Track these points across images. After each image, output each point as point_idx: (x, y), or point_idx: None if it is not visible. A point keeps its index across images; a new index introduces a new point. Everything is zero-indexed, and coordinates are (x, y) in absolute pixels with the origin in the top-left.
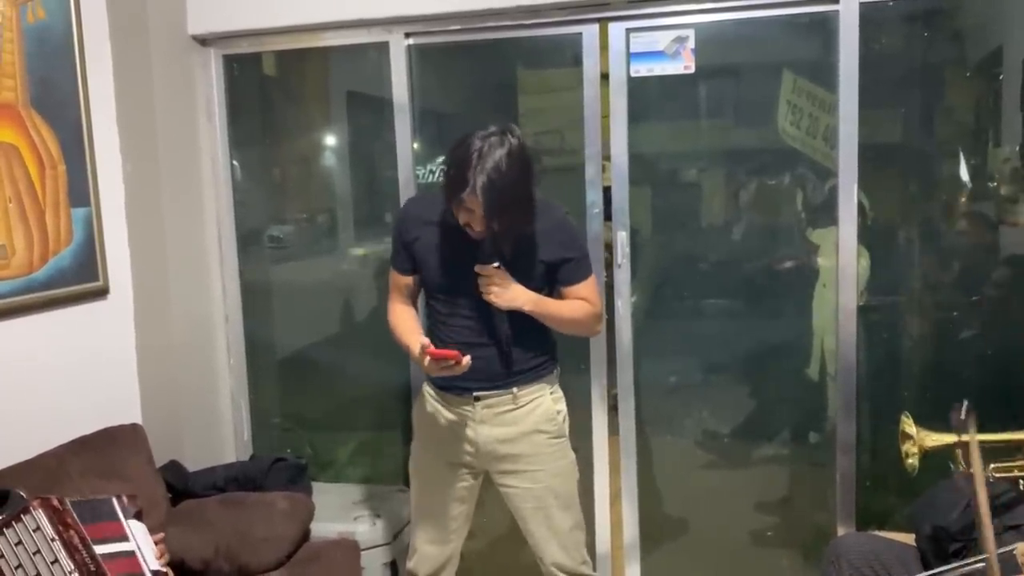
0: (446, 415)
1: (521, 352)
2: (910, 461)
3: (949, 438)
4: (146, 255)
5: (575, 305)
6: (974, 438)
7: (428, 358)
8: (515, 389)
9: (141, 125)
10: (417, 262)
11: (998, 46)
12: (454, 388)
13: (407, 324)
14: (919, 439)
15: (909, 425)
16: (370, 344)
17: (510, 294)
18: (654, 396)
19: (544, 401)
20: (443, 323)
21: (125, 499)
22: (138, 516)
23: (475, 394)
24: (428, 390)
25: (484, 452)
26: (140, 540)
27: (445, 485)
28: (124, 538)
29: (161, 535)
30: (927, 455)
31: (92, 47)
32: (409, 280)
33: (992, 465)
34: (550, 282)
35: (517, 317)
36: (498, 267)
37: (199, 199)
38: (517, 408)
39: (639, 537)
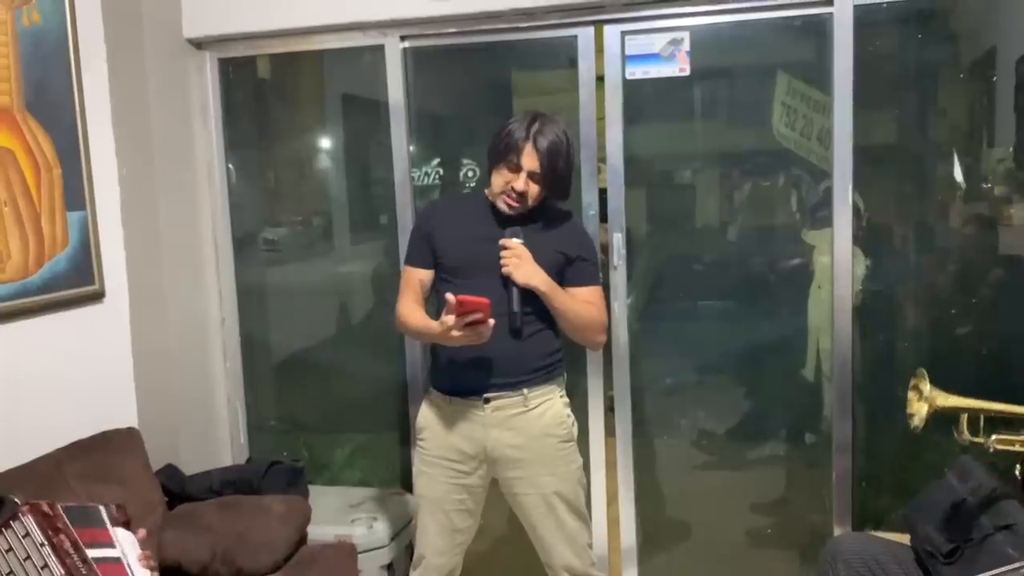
0: (454, 422)
1: (533, 347)
2: (915, 421)
3: (961, 401)
4: (142, 259)
5: (583, 305)
6: None
7: (452, 316)
8: (525, 390)
9: (136, 128)
10: (437, 251)
11: (991, 47)
12: (463, 391)
13: (421, 315)
14: (930, 397)
15: (924, 382)
16: (366, 346)
17: (528, 269)
18: (650, 397)
19: (554, 405)
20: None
21: (114, 508)
22: (126, 525)
23: (485, 395)
24: (434, 398)
25: (494, 458)
26: (126, 548)
27: (453, 496)
28: (111, 544)
29: (143, 533)
30: (934, 415)
31: (87, 50)
32: (423, 275)
33: (994, 436)
34: (560, 280)
35: (531, 308)
36: (521, 243)
37: (194, 202)
38: (528, 411)
39: (636, 537)
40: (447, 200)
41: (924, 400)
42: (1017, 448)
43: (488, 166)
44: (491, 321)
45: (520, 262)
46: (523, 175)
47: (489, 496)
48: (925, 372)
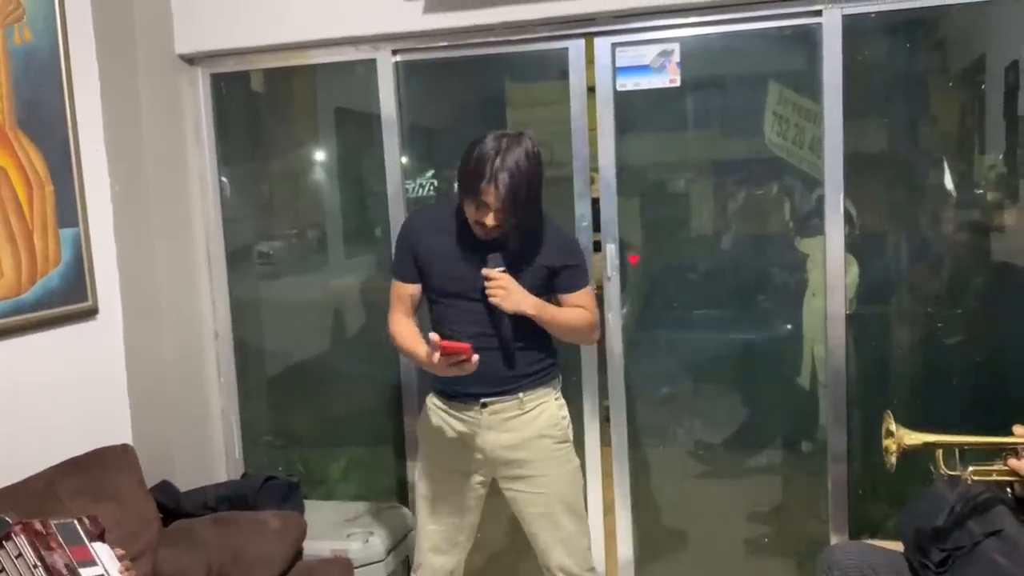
0: (453, 424)
1: (525, 356)
2: (890, 459)
3: (926, 437)
4: (135, 274)
5: (575, 312)
6: None
7: (438, 354)
8: (521, 394)
9: (129, 144)
10: (421, 268)
11: (980, 55)
12: (461, 396)
13: (410, 333)
14: (898, 437)
15: (891, 422)
16: (360, 359)
17: (516, 298)
18: (646, 407)
19: (549, 406)
20: (447, 326)
21: (87, 521)
22: (101, 537)
23: (482, 400)
24: (434, 401)
25: (491, 458)
26: (106, 562)
27: (453, 496)
28: (92, 562)
29: (121, 552)
30: (906, 453)
31: (79, 67)
32: (412, 290)
33: (971, 468)
34: (549, 289)
35: (520, 321)
36: (504, 271)
37: (188, 217)
38: (524, 413)
39: (633, 548)
40: (427, 211)
41: (894, 439)
42: (995, 478)
43: (459, 191)
44: (475, 358)
45: (507, 293)
46: (490, 213)
47: (487, 504)
48: (891, 413)
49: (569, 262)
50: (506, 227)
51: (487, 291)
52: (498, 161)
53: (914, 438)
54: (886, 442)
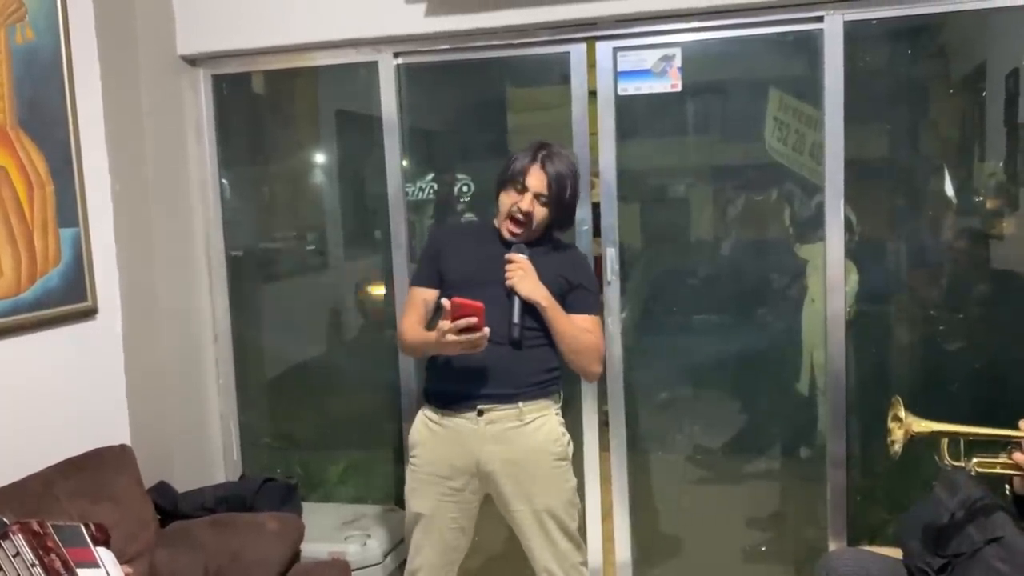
0: (447, 435)
1: (528, 363)
2: (895, 447)
3: (935, 425)
4: (135, 275)
5: (582, 331)
6: None
7: (448, 322)
8: (520, 403)
9: (130, 145)
10: (443, 269)
11: (981, 62)
12: (457, 403)
13: (421, 329)
14: (907, 424)
15: (899, 409)
16: (360, 363)
17: (532, 284)
18: (645, 412)
19: (549, 420)
20: None
21: (93, 527)
22: (106, 543)
23: (479, 407)
24: (427, 413)
25: (486, 472)
26: (109, 567)
27: (446, 516)
28: (95, 564)
29: (128, 570)
30: (912, 441)
31: (81, 67)
32: (427, 295)
33: (975, 459)
34: (561, 304)
35: (531, 328)
36: (526, 258)
37: (188, 218)
38: (523, 425)
39: (632, 553)
40: (456, 224)
41: (901, 425)
42: (999, 470)
43: (496, 191)
44: (486, 329)
45: (525, 275)
46: (529, 196)
47: (484, 513)
48: (900, 399)
49: (585, 283)
50: (536, 226)
51: (507, 272)
52: (545, 152)
53: (923, 426)
54: (892, 426)
